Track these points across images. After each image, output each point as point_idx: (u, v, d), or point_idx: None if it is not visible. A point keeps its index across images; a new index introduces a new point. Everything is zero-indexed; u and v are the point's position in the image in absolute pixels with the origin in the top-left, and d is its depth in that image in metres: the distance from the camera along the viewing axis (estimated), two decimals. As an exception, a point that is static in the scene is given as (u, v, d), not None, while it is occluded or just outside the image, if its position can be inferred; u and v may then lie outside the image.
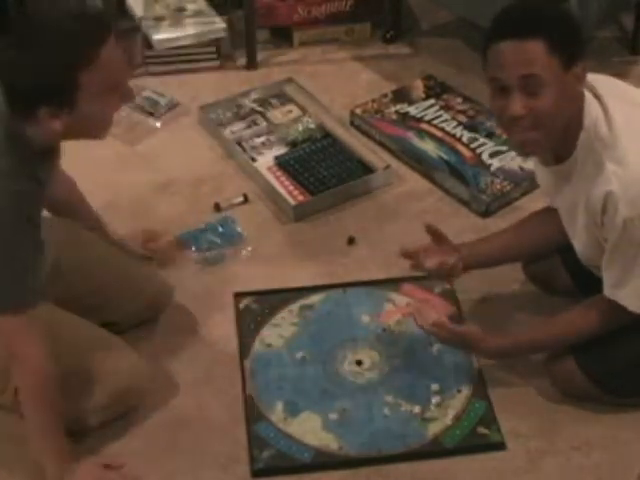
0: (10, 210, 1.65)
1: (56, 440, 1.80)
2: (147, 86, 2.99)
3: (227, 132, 2.82)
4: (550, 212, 2.06)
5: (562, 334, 1.99)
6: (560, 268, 2.20)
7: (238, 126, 2.85)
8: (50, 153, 1.79)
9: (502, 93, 1.78)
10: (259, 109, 2.91)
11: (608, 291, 1.88)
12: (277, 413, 2.01)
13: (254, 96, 2.96)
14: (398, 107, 2.90)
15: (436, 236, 2.13)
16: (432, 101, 2.92)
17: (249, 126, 2.85)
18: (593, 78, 1.85)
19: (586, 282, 1.99)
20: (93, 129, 1.74)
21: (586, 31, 2.87)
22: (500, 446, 1.97)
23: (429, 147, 2.74)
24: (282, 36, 3.30)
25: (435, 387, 2.07)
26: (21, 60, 1.59)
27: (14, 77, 1.61)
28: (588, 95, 1.82)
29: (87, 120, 1.68)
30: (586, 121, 1.80)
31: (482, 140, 2.74)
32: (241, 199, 2.60)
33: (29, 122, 1.66)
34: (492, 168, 2.65)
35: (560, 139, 1.84)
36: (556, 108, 1.77)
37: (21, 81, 1.61)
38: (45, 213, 1.94)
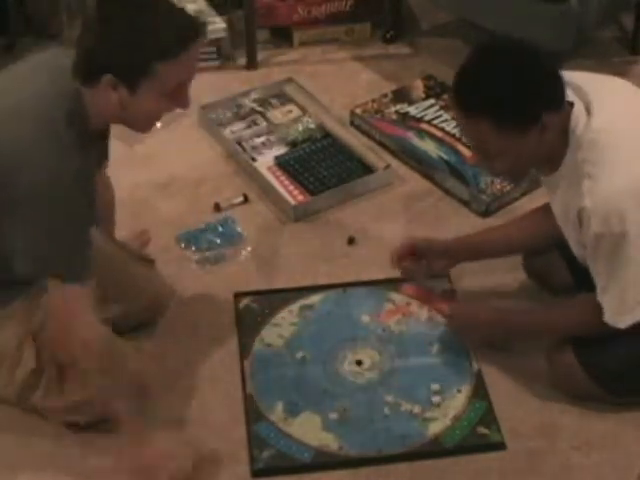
0: (75, 187, 1.69)
1: (125, 401, 1.85)
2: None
3: (227, 132, 2.82)
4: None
5: (554, 322, 2.02)
6: (559, 263, 2.20)
7: (238, 126, 2.85)
8: (102, 137, 1.85)
9: None
10: (259, 109, 2.91)
11: (599, 295, 1.89)
12: (277, 413, 2.01)
13: (254, 96, 2.96)
14: (398, 107, 2.90)
15: (412, 249, 2.22)
16: (432, 101, 2.92)
17: (249, 126, 2.85)
18: (591, 81, 1.84)
19: (585, 277, 1.98)
20: (140, 120, 1.79)
21: (586, 31, 2.88)
22: (500, 446, 1.97)
23: (429, 147, 2.74)
24: (282, 36, 3.30)
25: (435, 387, 2.07)
26: (115, 25, 1.65)
27: (99, 38, 1.66)
28: (578, 107, 1.81)
29: (138, 108, 1.73)
30: (572, 138, 1.80)
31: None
32: (241, 199, 2.60)
33: (90, 86, 1.70)
34: (492, 168, 2.65)
35: (541, 162, 1.88)
36: (514, 168, 1.84)
37: (103, 44, 1.65)
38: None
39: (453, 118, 2.84)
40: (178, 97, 1.76)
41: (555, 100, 1.76)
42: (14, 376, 1.89)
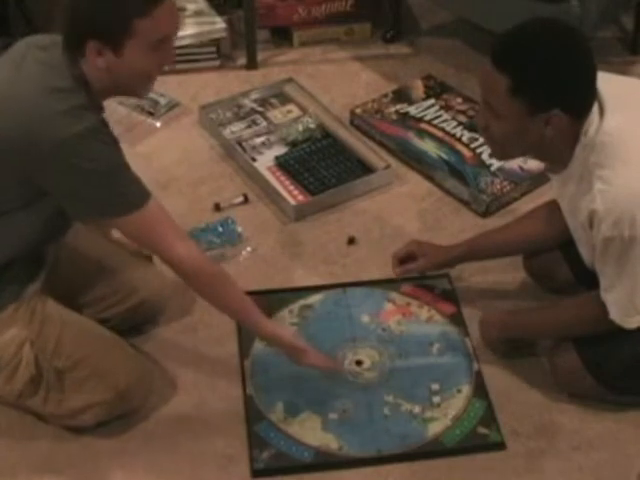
0: (95, 142, 1.73)
1: (259, 313, 1.95)
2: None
3: (227, 132, 2.82)
4: (554, 205, 2.06)
5: (558, 321, 2.02)
6: (561, 262, 2.19)
7: (238, 126, 2.85)
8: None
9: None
10: (259, 109, 2.91)
11: (602, 294, 1.89)
12: (277, 413, 2.01)
13: (254, 96, 2.96)
14: (398, 107, 2.90)
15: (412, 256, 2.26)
16: (432, 101, 2.92)
17: (249, 126, 2.85)
18: (607, 81, 1.82)
19: (588, 274, 1.98)
20: (133, 82, 1.79)
21: (586, 31, 2.88)
22: (500, 446, 1.97)
23: (429, 147, 2.74)
24: (282, 36, 3.30)
25: (435, 387, 2.07)
26: None
27: (76, 6, 1.70)
28: (593, 107, 1.79)
29: (128, 69, 1.73)
30: (583, 137, 1.79)
31: (482, 140, 2.74)
32: (241, 199, 2.60)
33: (78, 55, 1.73)
34: (492, 168, 2.65)
35: (542, 156, 1.89)
36: (506, 140, 1.82)
37: (80, 11, 1.69)
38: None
39: (453, 118, 2.85)
40: (163, 52, 1.76)
41: (576, 106, 1.76)
42: (13, 383, 1.89)
